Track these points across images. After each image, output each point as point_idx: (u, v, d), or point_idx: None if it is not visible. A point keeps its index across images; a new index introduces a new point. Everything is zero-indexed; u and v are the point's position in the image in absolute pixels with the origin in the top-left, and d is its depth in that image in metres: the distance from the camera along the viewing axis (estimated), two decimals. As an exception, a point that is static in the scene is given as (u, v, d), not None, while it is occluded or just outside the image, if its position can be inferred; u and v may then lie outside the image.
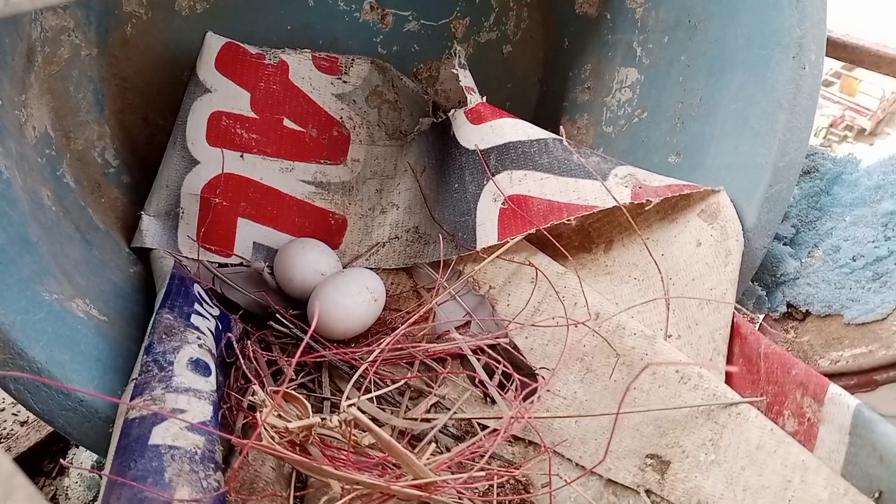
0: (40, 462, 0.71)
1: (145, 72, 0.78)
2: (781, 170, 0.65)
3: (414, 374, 0.66)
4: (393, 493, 0.47)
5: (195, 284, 0.67)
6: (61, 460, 0.70)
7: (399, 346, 0.68)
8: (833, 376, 0.57)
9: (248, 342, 0.63)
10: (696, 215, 0.67)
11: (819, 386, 0.54)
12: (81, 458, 0.72)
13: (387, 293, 0.75)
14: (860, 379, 0.56)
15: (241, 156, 0.75)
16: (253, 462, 0.57)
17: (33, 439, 0.70)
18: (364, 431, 0.52)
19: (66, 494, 0.65)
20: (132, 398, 0.52)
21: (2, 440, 0.70)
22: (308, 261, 0.73)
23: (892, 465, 0.50)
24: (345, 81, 0.80)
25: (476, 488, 0.55)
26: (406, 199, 0.78)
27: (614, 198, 0.66)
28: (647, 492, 0.59)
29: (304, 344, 0.50)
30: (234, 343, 0.60)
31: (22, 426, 0.73)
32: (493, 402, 0.65)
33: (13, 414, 0.74)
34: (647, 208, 0.66)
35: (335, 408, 0.63)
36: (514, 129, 0.71)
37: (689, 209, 0.68)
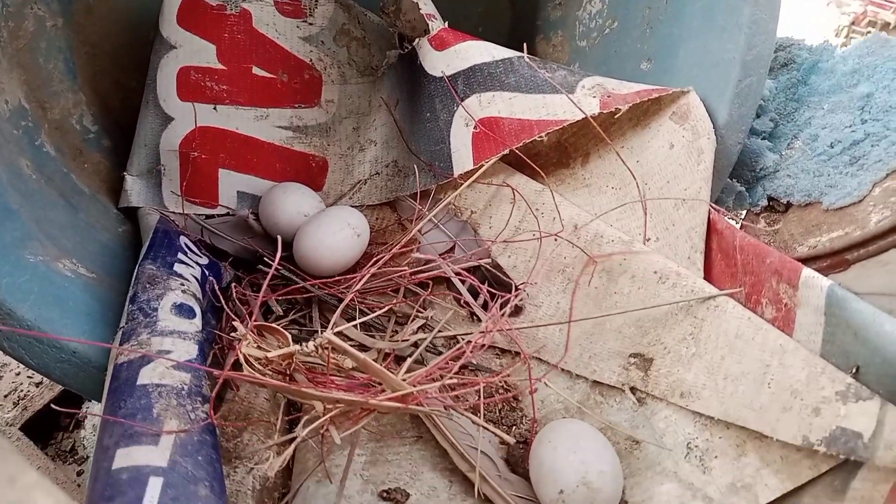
0: (57, 417, 0.74)
1: (112, 36, 0.79)
2: (750, 63, 0.64)
3: (399, 300, 0.67)
4: (373, 408, 0.49)
5: (181, 236, 0.69)
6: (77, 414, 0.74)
7: (384, 275, 0.69)
8: (807, 261, 0.57)
9: (233, 286, 0.64)
10: (667, 118, 0.66)
11: (793, 271, 0.54)
12: (95, 409, 0.75)
13: (372, 228, 0.76)
14: (833, 260, 0.56)
15: (214, 108, 0.76)
16: (246, 396, 0.59)
17: (47, 397, 0.74)
18: (345, 357, 0.53)
19: (84, 444, 0.68)
20: (120, 345, 0.54)
21: (20, 401, 0.74)
22: (291, 204, 0.74)
23: (866, 339, 0.50)
24: (310, 24, 0.79)
25: (458, 396, 0.57)
26: (383, 135, 0.78)
27: (581, 110, 0.65)
28: (632, 389, 0.60)
29: (269, 279, 0.51)
30: (216, 287, 0.61)
31: (37, 387, 0.76)
32: (480, 320, 0.67)
33: (28, 377, 0.77)
34: (617, 116, 0.66)
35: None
36: (478, 52, 0.70)
37: (660, 113, 0.67)
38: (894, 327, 0.49)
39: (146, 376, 0.51)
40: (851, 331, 0.51)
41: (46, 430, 0.74)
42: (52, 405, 0.72)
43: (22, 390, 0.77)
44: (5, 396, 0.76)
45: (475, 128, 0.69)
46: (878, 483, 0.51)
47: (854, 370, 0.51)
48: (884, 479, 0.51)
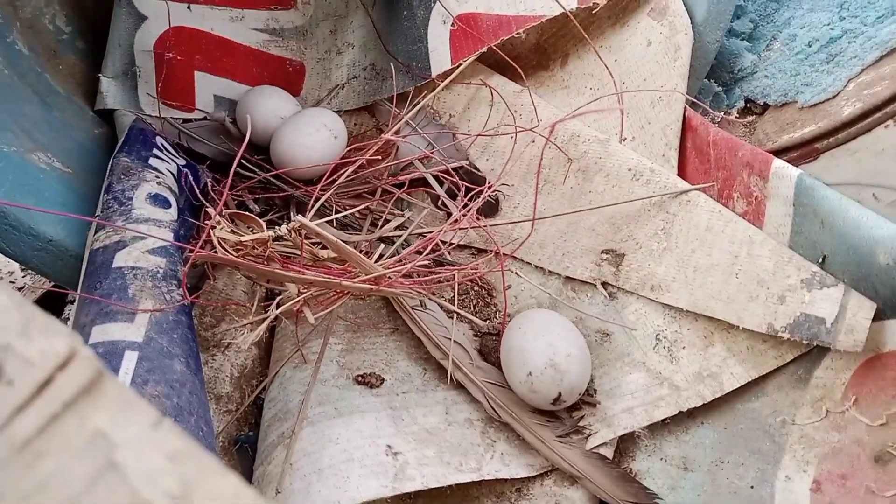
0: (58, 306, 0.76)
1: (84, -69, 0.77)
2: (730, -41, 0.63)
3: (376, 199, 0.67)
4: (345, 290, 0.50)
5: (157, 136, 0.69)
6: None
7: (362, 178, 0.69)
8: (778, 153, 0.58)
9: (209, 183, 0.64)
10: (645, 15, 0.66)
11: (763, 163, 0.55)
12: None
13: (351, 134, 0.76)
14: (803, 150, 0.57)
15: (188, 7, 0.74)
16: (224, 287, 0.60)
17: (30, 300, 0.74)
18: (321, 246, 0.54)
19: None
20: (96, 232, 0.55)
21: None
22: (268, 107, 0.73)
23: (832, 227, 0.51)
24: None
25: (434, 291, 0.58)
26: (361, 37, 0.77)
27: (560, 4, 0.65)
28: (604, 284, 0.61)
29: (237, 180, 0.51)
30: (195, 186, 0.62)
31: (20, 290, 0.77)
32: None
33: (10, 282, 0.78)
34: (595, 12, 0.65)
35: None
36: (455, -54, 0.69)
37: (638, 10, 0.66)
38: (860, 213, 0.50)
39: (121, 259, 0.51)
40: (819, 219, 0.52)
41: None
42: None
43: (16, 283, 0.78)
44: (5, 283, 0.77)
45: (453, 25, 0.68)
46: (840, 371, 0.53)
47: (821, 259, 0.52)
48: (845, 367, 0.53)
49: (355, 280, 0.50)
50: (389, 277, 0.52)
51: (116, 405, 0.21)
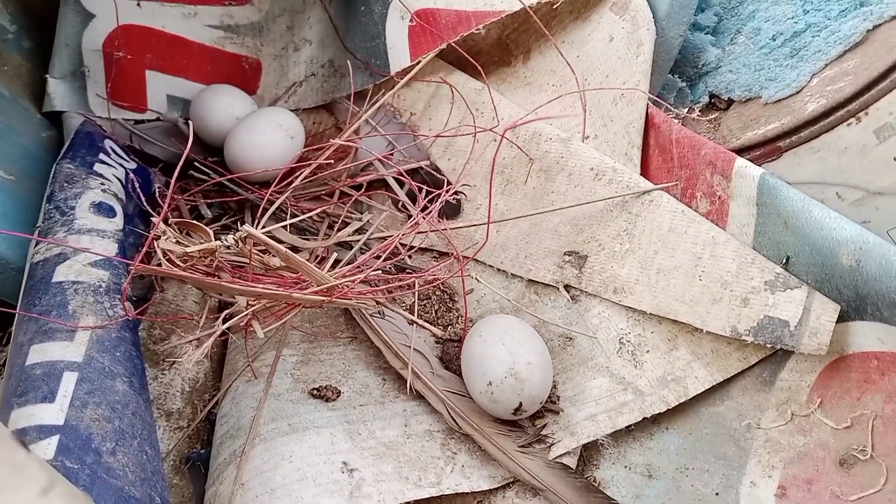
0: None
1: (27, -74, 0.74)
2: (692, -48, 0.61)
3: (333, 202, 0.66)
4: (296, 302, 0.48)
5: (105, 139, 0.66)
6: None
7: (320, 179, 0.67)
8: (741, 151, 0.56)
9: (157, 188, 0.62)
10: (607, 10, 0.64)
11: (726, 162, 0.54)
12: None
13: (309, 133, 0.74)
14: (766, 149, 0.55)
15: (138, 4, 0.72)
16: (174, 299, 0.58)
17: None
18: (272, 255, 0.52)
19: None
20: (36, 244, 0.52)
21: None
22: (221, 106, 0.71)
23: (795, 228, 0.50)
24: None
25: (395, 297, 0.56)
26: (318, 33, 0.75)
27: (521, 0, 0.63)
28: (567, 287, 0.60)
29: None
30: (139, 191, 0.59)
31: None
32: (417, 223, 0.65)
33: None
34: (556, 6, 0.64)
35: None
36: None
37: (600, 5, 0.65)
38: (823, 214, 0.49)
39: (62, 273, 0.49)
40: (782, 220, 0.51)
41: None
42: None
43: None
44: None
45: (411, 21, 0.66)
46: (805, 374, 0.52)
47: (785, 261, 0.51)
48: (809, 370, 0.52)
49: (307, 291, 0.48)
50: (347, 286, 0.50)
51: (5, 469, 0.19)
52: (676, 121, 0.61)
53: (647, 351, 0.56)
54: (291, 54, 0.77)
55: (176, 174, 0.47)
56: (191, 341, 0.52)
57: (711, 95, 0.67)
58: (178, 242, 0.49)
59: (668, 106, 0.64)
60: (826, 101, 0.54)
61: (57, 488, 0.19)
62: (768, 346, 0.51)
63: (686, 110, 0.66)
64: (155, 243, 0.48)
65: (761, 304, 0.51)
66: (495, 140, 0.65)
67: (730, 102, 0.65)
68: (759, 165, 0.54)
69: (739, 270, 0.52)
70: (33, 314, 0.46)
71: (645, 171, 0.60)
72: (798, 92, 0.59)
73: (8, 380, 0.45)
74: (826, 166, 0.53)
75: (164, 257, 0.47)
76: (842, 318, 0.48)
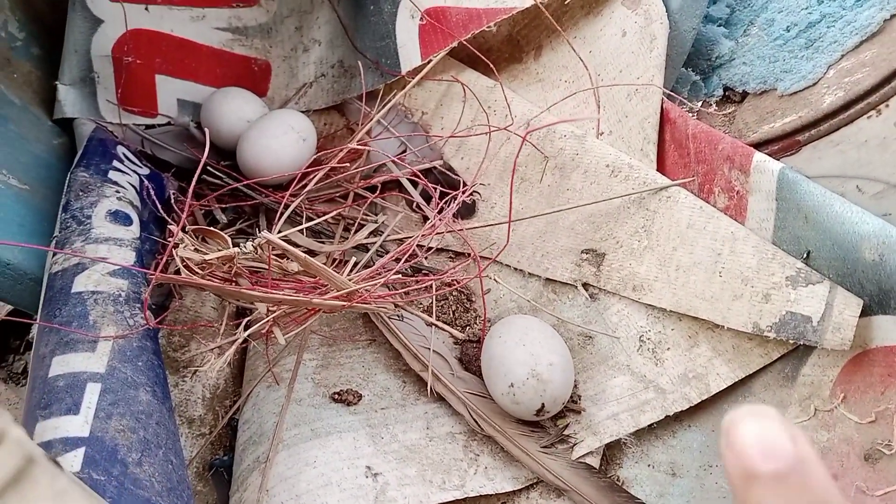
0: (6, 340, 0.73)
1: (33, -68, 0.73)
2: (705, -57, 0.61)
3: (348, 204, 0.65)
4: (316, 307, 0.48)
5: (118, 146, 0.66)
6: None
7: (333, 181, 0.67)
8: (759, 145, 0.56)
9: (173, 194, 0.62)
10: (619, 4, 0.64)
11: (745, 156, 0.53)
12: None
13: (320, 134, 0.73)
14: (784, 143, 0.55)
15: (146, 8, 0.71)
16: (192, 305, 0.58)
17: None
18: (290, 260, 0.52)
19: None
20: (54, 255, 0.52)
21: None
22: (232, 110, 0.71)
23: (816, 222, 0.49)
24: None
25: (412, 300, 0.56)
26: (327, 33, 0.75)
27: (531, -4, 0.62)
28: (585, 285, 0.60)
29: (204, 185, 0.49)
30: (154, 197, 0.59)
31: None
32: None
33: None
34: (567, 2, 0.63)
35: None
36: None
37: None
38: (844, 208, 0.48)
39: (81, 284, 0.49)
40: (802, 214, 0.50)
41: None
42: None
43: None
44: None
45: (421, 19, 0.66)
46: (827, 368, 0.52)
47: (805, 255, 0.51)
48: (832, 365, 0.52)
49: (326, 296, 0.48)
50: (366, 291, 0.50)
51: (47, 497, 0.19)
52: (691, 115, 0.61)
53: (668, 348, 0.56)
54: (301, 55, 0.76)
55: (195, 180, 0.46)
56: (212, 349, 0.52)
57: (726, 88, 0.66)
58: (196, 250, 0.49)
59: (683, 100, 0.63)
60: (844, 93, 0.54)
61: (101, 515, 0.19)
62: (791, 341, 0.50)
63: (700, 104, 0.66)
64: (174, 252, 0.48)
65: (783, 299, 0.51)
66: (509, 139, 0.64)
67: (744, 95, 0.65)
68: (778, 159, 0.53)
69: (760, 266, 0.52)
70: (54, 325, 0.46)
71: (661, 167, 0.60)
72: (814, 84, 0.58)
73: (31, 392, 0.45)
74: (846, 159, 0.52)
75: (182, 265, 0.47)
76: (864, 312, 0.48)
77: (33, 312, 0.57)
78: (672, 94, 0.62)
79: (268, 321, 0.47)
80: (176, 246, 0.49)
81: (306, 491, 0.46)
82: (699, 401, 0.54)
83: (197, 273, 0.48)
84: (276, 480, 0.47)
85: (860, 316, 0.48)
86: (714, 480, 0.52)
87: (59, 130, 0.72)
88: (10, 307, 0.71)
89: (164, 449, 0.44)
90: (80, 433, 0.41)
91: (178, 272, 0.48)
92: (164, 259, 0.47)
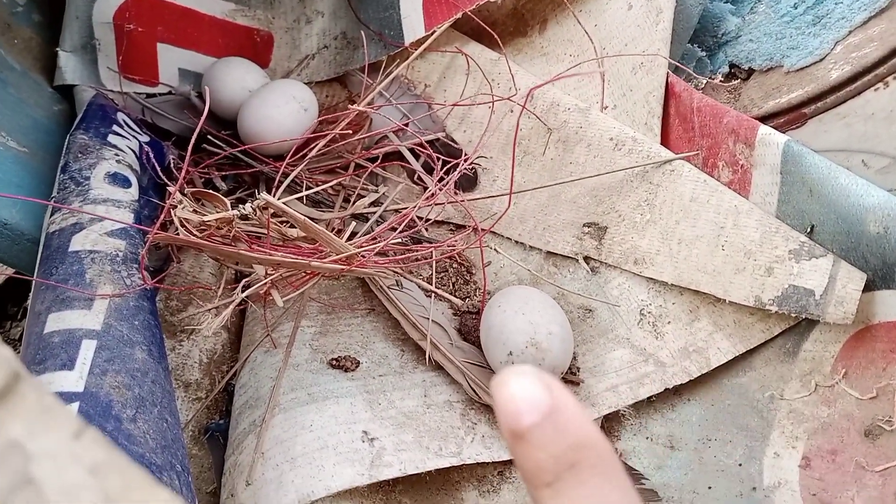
0: (3, 306, 0.73)
1: None
2: (714, -84, 0.60)
3: (348, 174, 0.65)
4: (315, 271, 0.48)
5: (118, 112, 0.65)
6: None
7: (334, 152, 0.67)
8: (764, 119, 0.55)
9: (172, 160, 0.61)
10: (626, -23, 0.63)
11: (749, 130, 0.53)
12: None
13: (322, 106, 0.73)
14: (790, 116, 0.54)
15: (149, -25, 0.71)
16: (190, 270, 0.58)
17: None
18: (290, 225, 0.52)
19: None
20: (52, 214, 0.52)
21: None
22: (234, 79, 0.70)
23: (821, 196, 0.49)
24: None
25: (411, 270, 0.56)
26: (330, 5, 0.74)
27: (537, -33, 0.62)
28: (586, 258, 0.59)
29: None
30: (156, 165, 0.59)
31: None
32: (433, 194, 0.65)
33: (-30, 267, 0.75)
34: (573, -25, 0.63)
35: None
36: None
37: (619, -28, 0.64)
38: (849, 181, 0.48)
39: (78, 243, 0.49)
40: (807, 187, 0.50)
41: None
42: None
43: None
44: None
45: (426, -10, 0.65)
46: (829, 344, 0.52)
47: (809, 229, 0.50)
48: (834, 340, 0.51)
49: (326, 260, 0.47)
50: (362, 256, 0.50)
51: (34, 412, 0.19)
52: (697, 89, 0.60)
53: (669, 322, 0.56)
54: (303, 27, 0.76)
55: (192, 143, 0.46)
56: (209, 310, 0.51)
57: (731, 65, 0.66)
58: (194, 211, 0.48)
59: (690, 73, 0.63)
60: (851, 67, 0.53)
61: (88, 433, 0.19)
62: (793, 315, 0.50)
63: (706, 80, 0.65)
64: (172, 212, 0.47)
65: (786, 273, 0.50)
66: (512, 111, 0.64)
67: (750, 72, 0.64)
68: (784, 133, 0.53)
69: (763, 240, 0.52)
70: (51, 282, 0.46)
71: (665, 141, 0.59)
72: (821, 60, 0.58)
73: (26, 348, 0.44)
74: (852, 133, 0.52)
75: (181, 226, 0.47)
76: (868, 286, 0.48)
77: (30, 274, 0.57)
78: (678, 66, 0.61)
79: (266, 283, 0.47)
80: (174, 207, 0.49)
81: (302, 454, 0.46)
82: (699, 374, 0.54)
83: (195, 235, 0.48)
84: (271, 443, 0.47)
85: (863, 291, 0.47)
86: (713, 454, 0.52)
87: (59, 97, 0.72)
88: (9, 272, 0.71)
89: (160, 407, 0.43)
90: (75, 388, 0.41)
91: (176, 234, 0.47)
92: (161, 219, 0.46)
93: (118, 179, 0.54)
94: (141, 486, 0.17)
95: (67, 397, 0.40)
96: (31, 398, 0.19)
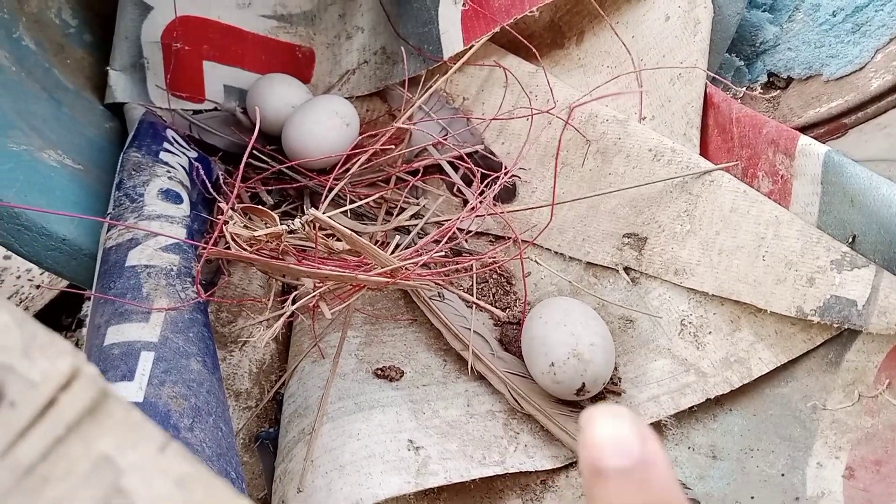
0: (58, 318, 0.75)
1: (87, -78, 0.76)
2: (751, -73, 0.61)
3: (390, 187, 0.66)
4: (361, 284, 0.49)
5: (167, 129, 0.68)
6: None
7: (376, 165, 0.68)
8: (804, 129, 0.56)
9: (221, 176, 0.63)
10: (663, -11, 0.64)
11: (789, 140, 0.53)
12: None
13: (363, 120, 0.74)
14: (830, 126, 0.54)
15: (194, -5, 0.73)
16: (239, 283, 0.60)
17: (47, 298, 0.74)
18: (336, 238, 0.53)
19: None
20: (108, 230, 0.54)
21: (21, 303, 0.75)
22: (277, 95, 0.72)
23: (863, 206, 0.49)
24: None
25: (452, 280, 0.57)
26: (370, 20, 0.76)
27: (575, -19, 0.63)
28: (626, 269, 0.60)
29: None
30: (206, 180, 0.60)
31: (37, 289, 0.77)
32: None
33: (28, 280, 0.78)
34: (611, -13, 0.64)
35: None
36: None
37: (656, -16, 0.64)
38: (892, 191, 0.48)
39: (134, 258, 0.51)
40: (848, 198, 0.50)
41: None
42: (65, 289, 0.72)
43: (23, 293, 0.78)
44: (7, 299, 0.77)
45: (464, 5, 0.66)
46: (872, 354, 0.51)
47: (851, 240, 0.50)
48: (877, 350, 0.51)
49: (371, 273, 0.49)
50: (406, 269, 0.51)
51: (122, 427, 0.20)
52: (735, 100, 0.61)
53: (710, 332, 0.56)
54: (344, 42, 0.78)
55: (244, 159, 0.48)
56: (260, 322, 0.53)
57: (770, 74, 0.66)
58: (245, 227, 0.50)
59: (728, 83, 0.63)
60: (892, 76, 0.53)
61: (172, 446, 0.20)
62: (835, 325, 0.50)
63: (744, 89, 0.66)
64: (223, 228, 0.49)
65: (827, 283, 0.50)
66: (550, 123, 0.65)
67: (789, 81, 0.64)
68: (824, 143, 0.53)
69: (804, 250, 0.52)
70: (109, 297, 0.48)
71: (704, 152, 0.60)
72: (861, 68, 0.58)
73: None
74: (894, 143, 0.52)
75: (232, 241, 0.49)
76: (911, 296, 0.47)
77: (87, 287, 0.59)
78: (716, 77, 0.61)
79: (314, 295, 0.48)
80: (226, 223, 0.50)
81: (350, 462, 0.47)
82: (740, 385, 0.54)
83: (245, 249, 0.49)
84: (320, 451, 0.48)
85: (907, 301, 0.47)
86: (755, 464, 0.52)
87: (110, 115, 0.74)
88: (65, 282, 0.74)
89: (214, 417, 0.45)
90: (135, 398, 0.43)
91: (227, 248, 0.49)
92: (215, 235, 0.48)
93: (170, 196, 0.56)
94: (223, 498, 0.18)
95: (128, 407, 0.42)
96: (118, 414, 0.20)
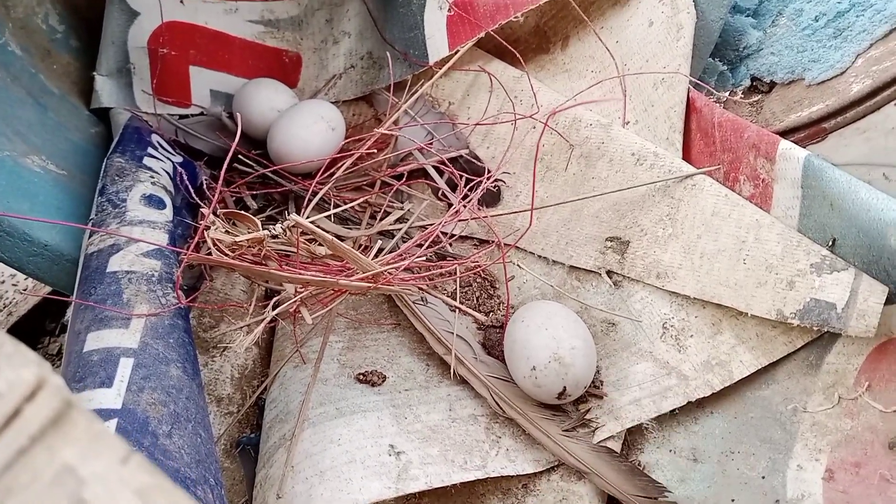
0: (42, 323, 0.75)
1: (73, -72, 0.76)
2: (733, -67, 0.61)
3: (375, 192, 0.66)
4: (343, 289, 0.49)
5: (153, 134, 0.68)
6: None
7: (361, 170, 0.68)
8: (785, 133, 0.56)
9: (205, 180, 0.64)
10: (646, -6, 0.64)
11: (770, 144, 0.53)
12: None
13: (349, 125, 0.75)
14: (810, 130, 0.55)
15: (181, 1, 0.73)
16: (222, 288, 0.60)
17: (31, 303, 0.74)
18: (318, 243, 0.53)
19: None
20: (90, 236, 0.54)
21: (5, 307, 0.75)
22: (263, 100, 0.72)
23: (842, 209, 0.49)
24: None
25: (436, 284, 0.57)
26: (357, 25, 0.76)
27: (558, -14, 0.63)
28: (609, 272, 0.60)
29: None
30: (188, 185, 0.61)
31: (21, 294, 0.77)
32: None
33: (13, 285, 0.78)
34: (593, -8, 0.64)
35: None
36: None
37: (639, -11, 0.65)
38: (870, 195, 0.48)
39: (116, 264, 0.51)
40: (828, 201, 0.50)
41: (32, 335, 0.76)
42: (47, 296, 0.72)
43: (7, 298, 0.78)
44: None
45: (449, 10, 0.67)
46: (852, 356, 0.52)
47: (831, 243, 0.51)
48: (857, 353, 0.52)
49: (353, 278, 0.49)
50: (388, 274, 0.51)
51: (85, 438, 0.20)
52: (718, 104, 0.61)
53: (691, 335, 0.56)
54: (331, 47, 0.78)
55: (225, 164, 0.48)
56: (241, 328, 0.53)
57: (753, 78, 0.66)
58: (227, 232, 0.50)
59: (710, 89, 0.63)
60: (872, 81, 0.54)
61: (134, 458, 0.20)
62: (815, 328, 0.50)
63: (727, 94, 0.66)
64: (205, 233, 0.49)
65: (807, 286, 0.51)
66: (535, 127, 0.65)
67: (772, 85, 0.65)
68: (804, 147, 0.53)
69: (785, 253, 0.52)
70: (90, 302, 0.48)
71: (687, 156, 0.60)
72: (842, 73, 0.58)
73: (66, 366, 0.46)
74: (873, 147, 0.52)
75: (213, 247, 0.49)
76: (889, 299, 0.48)
77: (69, 293, 0.59)
78: (699, 83, 0.62)
79: (296, 301, 0.49)
80: (207, 228, 0.50)
81: (330, 467, 0.47)
82: (722, 387, 0.54)
83: (227, 254, 0.49)
84: (301, 457, 0.48)
85: (885, 304, 0.48)
86: (736, 467, 0.52)
87: (95, 120, 0.74)
88: (48, 288, 0.74)
89: (194, 423, 0.45)
90: (113, 405, 0.43)
91: (209, 254, 0.49)
92: (196, 240, 0.48)
93: (153, 201, 0.56)
94: (182, 508, 0.19)
95: (106, 414, 0.42)
96: (81, 425, 0.20)
